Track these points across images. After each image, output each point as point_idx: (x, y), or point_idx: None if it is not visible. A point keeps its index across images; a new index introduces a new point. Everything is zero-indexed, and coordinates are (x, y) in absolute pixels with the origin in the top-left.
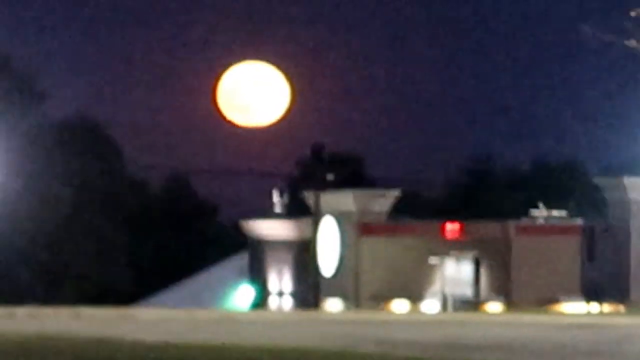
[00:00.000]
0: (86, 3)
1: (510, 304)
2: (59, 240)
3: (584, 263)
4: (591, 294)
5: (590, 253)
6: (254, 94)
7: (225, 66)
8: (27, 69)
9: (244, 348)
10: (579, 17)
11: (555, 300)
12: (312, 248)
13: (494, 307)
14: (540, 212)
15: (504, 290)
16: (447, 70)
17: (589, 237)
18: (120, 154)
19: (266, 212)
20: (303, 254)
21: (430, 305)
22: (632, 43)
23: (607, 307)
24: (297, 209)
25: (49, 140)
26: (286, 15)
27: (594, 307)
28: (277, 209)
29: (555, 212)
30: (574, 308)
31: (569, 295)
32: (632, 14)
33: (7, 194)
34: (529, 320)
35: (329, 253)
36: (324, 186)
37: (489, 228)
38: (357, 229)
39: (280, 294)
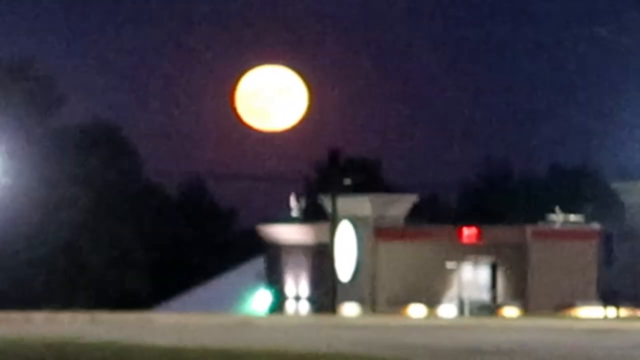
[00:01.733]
0: (106, 9)
1: (527, 308)
2: (77, 245)
3: (600, 268)
4: (608, 298)
5: (607, 258)
6: (272, 98)
7: (244, 70)
8: (47, 73)
9: (260, 352)
10: (596, 20)
11: (572, 305)
12: (329, 253)
13: (511, 311)
14: (557, 217)
15: (520, 295)
16: (464, 75)
17: (606, 242)
18: (138, 159)
19: (283, 217)
20: (320, 259)
21: (447, 310)
22: None
23: (624, 312)
24: (314, 214)
25: (67, 144)
26: (306, 21)
27: (611, 311)
28: (295, 213)
29: (572, 217)
30: (591, 313)
31: (586, 300)
32: None
33: (25, 198)
34: (545, 325)
35: (345, 258)
36: (341, 191)
37: (506, 233)
38: (374, 234)
39: (297, 298)
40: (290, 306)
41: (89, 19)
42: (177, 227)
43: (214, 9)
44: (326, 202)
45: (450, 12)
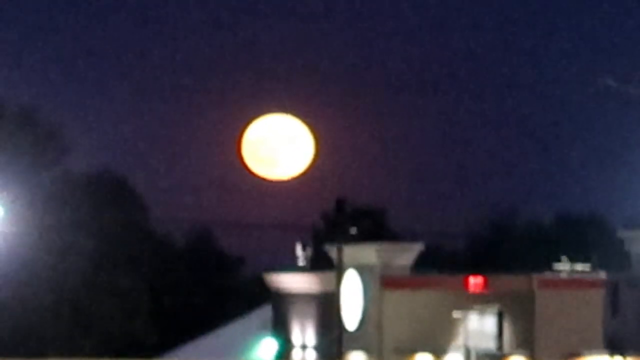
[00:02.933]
0: (113, 57)
1: (534, 357)
2: (83, 294)
3: (607, 316)
4: (615, 347)
5: (614, 307)
6: (279, 146)
7: (251, 119)
8: (52, 121)
9: None
10: (601, 68)
11: (579, 354)
12: (335, 301)
13: None
14: (563, 266)
15: (527, 344)
16: (469, 121)
17: (613, 291)
18: (143, 208)
19: (290, 266)
20: (326, 308)
21: (454, 359)
22: None
23: None
24: (320, 263)
25: (73, 192)
26: (312, 68)
27: None
28: (301, 262)
29: (579, 266)
30: None
31: (593, 348)
32: None
33: (31, 247)
34: None
35: (352, 306)
36: (347, 240)
37: (513, 281)
38: (380, 283)
39: (304, 347)
40: (296, 355)
41: (96, 67)
42: (183, 275)
43: (220, 57)
44: (332, 250)
45: (455, 56)
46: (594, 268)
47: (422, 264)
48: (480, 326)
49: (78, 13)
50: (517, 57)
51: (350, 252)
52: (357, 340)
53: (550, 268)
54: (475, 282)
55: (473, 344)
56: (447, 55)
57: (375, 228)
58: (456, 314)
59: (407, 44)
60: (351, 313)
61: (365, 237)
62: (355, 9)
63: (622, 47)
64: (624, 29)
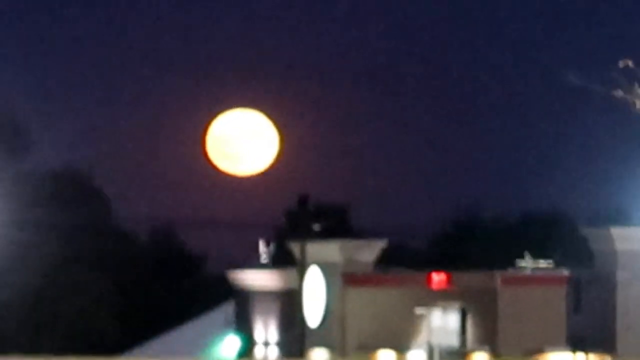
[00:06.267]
0: (74, 55)
1: (497, 354)
2: (46, 292)
3: (570, 313)
4: (577, 345)
5: (576, 304)
6: (243, 142)
7: (216, 114)
8: (14, 118)
9: None
10: (565, 67)
11: (541, 350)
12: (298, 298)
13: (481, 357)
14: (526, 263)
15: (490, 341)
16: (433, 119)
17: (575, 288)
18: (107, 205)
19: (253, 263)
20: (289, 304)
21: (417, 356)
22: (619, 93)
23: (593, 358)
24: (283, 260)
25: (36, 190)
26: (277, 64)
27: (580, 358)
28: (264, 259)
29: (542, 263)
30: (561, 358)
31: (556, 345)
32: (620, 65)
33: None
34: None
35: (314, 303)
36: (310, 236)
37: (475, 278)
38: (343, 280)
39: (266, 344)
40: (259, 352)
41: (58, 65)
42: (146, 272)
43: (184, 53)
44: (295, 247)
45: (419, 54)
46: (557, 265)
47: (386, 261)
48: (443, 323)
49: (40, 10)
50: (481, 54)
51: (313, 249)
52: (320, 337)
53: (513, 265)
54: (438, 279)
55: (436, 340)
56: (411, 53)
57: (338, 225)
58: (419, 311)
59: (373, 39)
60: (314, 310)
61: (328, 234)
62: (320, 2)
63: (587, 45)
64: (588, 26)
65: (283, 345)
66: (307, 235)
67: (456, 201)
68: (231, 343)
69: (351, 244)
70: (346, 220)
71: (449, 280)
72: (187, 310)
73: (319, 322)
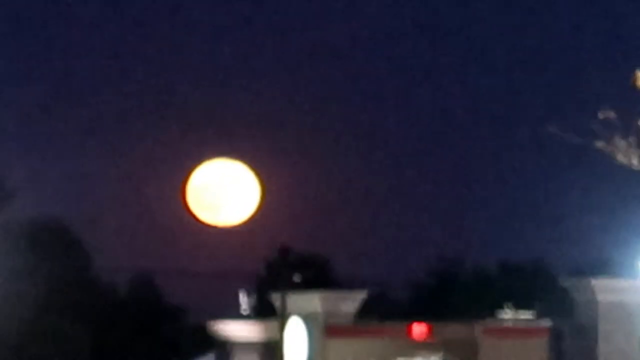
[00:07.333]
0: (51, 102)
1: None
2: (25, 341)
3: None
4: None
5: (558, 355)
6: (223, 192)
7: (196, 164)
8: None
9: None
10: (545, 117)
11: None
12: (279, 349)
13: None
14: (506, 314)
15: None
16: (413, 171)
17: (557, 339)
18: (86, 255)
19: (233, 313)
20: (270, 355)
21: None
22: (600, 144)
23: None
24: (264, 311)
25: (15, 239)
26: (257, 115)
27: None
28: (244, 310)
29: (522, 314)
30: None
31: None
32: (600, 116)
33: None
34: None
35: (296, 354)
36: (291, 287)
37: (456, 329)
38: (324, 331)
39: None
40: None
41: (39, 112)
42: (126, 323)
43: (166, 102)
44: (276, 298)
45: (399, 105)
46: (538, 316)
47: (367, 312)
48: None
49: (18, 52)
50: (457, 100)
51: (294, 300)
52: None
53: (493, 316)
54: (419, 330)
55: None
56: (394, 105)
57: (319, 275)
58: None
59: (353, 87)
60: None
61: (309, 284)
62: (304, 50)
63: (567, 94)
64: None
65: None
66: (287, 286)
67: (437, 252)
68: None
69: (331, 295)
70: (327, 271)
71: (430, 332)
72: None
73: None
